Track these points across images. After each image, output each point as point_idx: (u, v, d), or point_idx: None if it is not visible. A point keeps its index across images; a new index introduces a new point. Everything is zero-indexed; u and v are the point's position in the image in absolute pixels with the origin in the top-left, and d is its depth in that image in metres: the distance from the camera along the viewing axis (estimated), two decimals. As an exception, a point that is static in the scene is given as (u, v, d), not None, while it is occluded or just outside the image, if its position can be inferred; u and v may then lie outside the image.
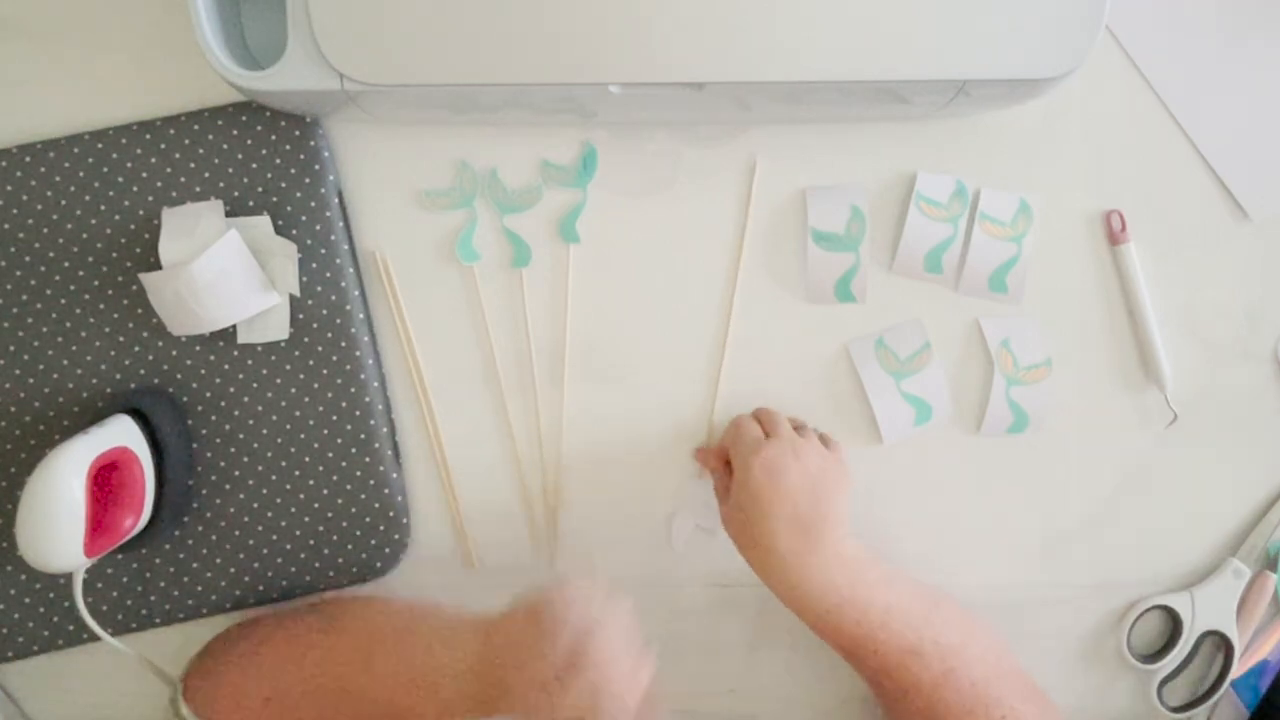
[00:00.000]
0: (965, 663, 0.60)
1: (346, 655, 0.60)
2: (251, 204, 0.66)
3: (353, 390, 0.67)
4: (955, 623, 0.62)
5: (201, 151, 0.66)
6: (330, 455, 0.67)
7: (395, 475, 0.68)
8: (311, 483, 0.67)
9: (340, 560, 0.67)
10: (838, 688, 0.70)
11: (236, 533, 0.67)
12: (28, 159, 0.65)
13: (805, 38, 0.57)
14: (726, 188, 0.68)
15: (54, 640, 0.66)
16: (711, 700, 0.70)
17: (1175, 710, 0.70)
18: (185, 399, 0.66)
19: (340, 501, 0.67)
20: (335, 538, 0.67)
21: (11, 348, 0.65)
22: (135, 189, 0.65)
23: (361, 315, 0.67)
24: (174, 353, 0.66)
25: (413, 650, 0.58)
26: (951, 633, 0.61)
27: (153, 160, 0.65)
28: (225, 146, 0.66)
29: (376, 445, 0.67)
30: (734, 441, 0.63)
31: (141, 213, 0.65)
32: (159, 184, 0.65)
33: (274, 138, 0.66)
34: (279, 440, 0.67)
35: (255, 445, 0.67)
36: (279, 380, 0.66)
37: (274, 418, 0.67)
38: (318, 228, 0.66)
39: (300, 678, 0.60)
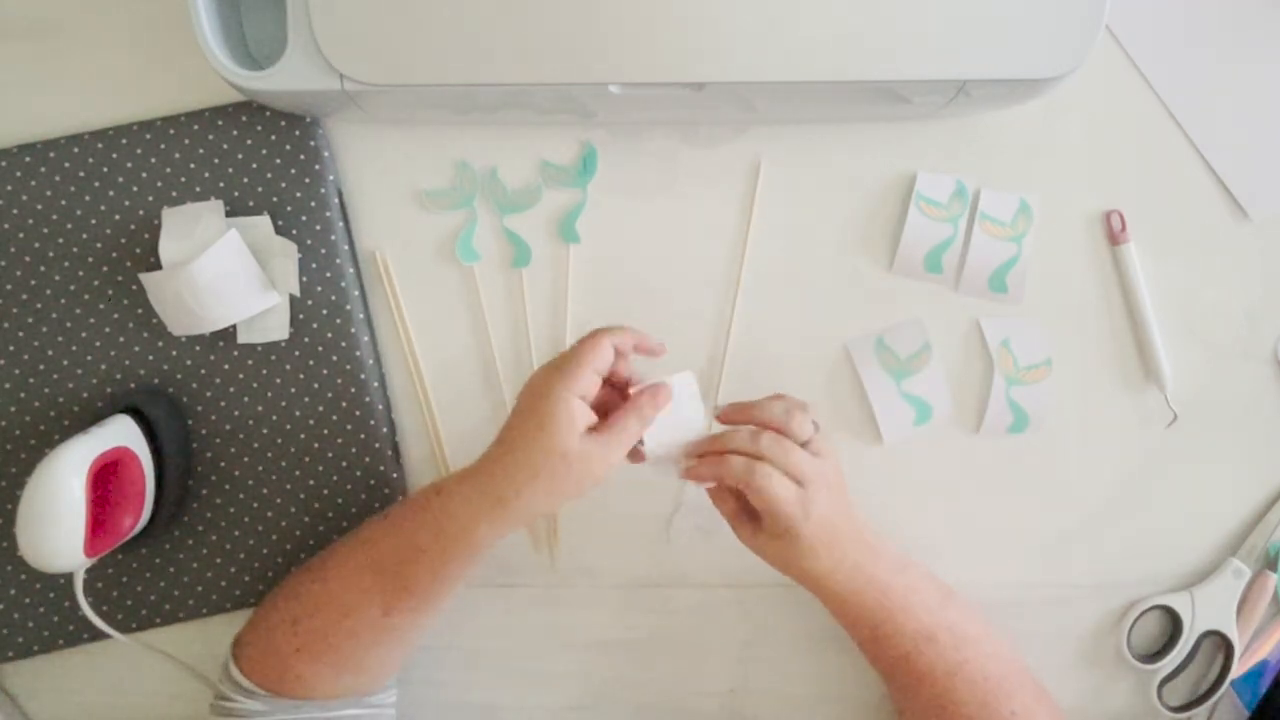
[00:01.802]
0: (979, 655, 0.61)
1: (359, 541, 0.61)
2: (251, 204, 0.66)
3: (353, 390, 0.67)
4: (969, 615, 0.63)
5: (201, 151, 0.66)
6: (330, 455, 0.67)
7: (395, 475, 0.68)
8: (311, 483, 0.67)
9: (340, 560, 0.67)
10: (837, 688, 0.70)
11: (236, 533, 0.67)
12: (28, 159, 0.65)
13: (805, 38, 0.57)
14: (726, 188, 0.68)
15: (54, 640, 0.66)
16: (711, 700, 0.70)
17: (1175, 710, 0.70)
18: (185, 399, 0.66)
19: (340, 501, 0.67)
20: (335, 538, 0.67)
21: (11, 348, 0.65)
22: (135, 189, 0.65)
23: (361, 315, 0.67)
24: (174, 353, 0.66)
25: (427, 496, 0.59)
26: (967, 624, 0.62)
27: (153, 160, 0.65)
28: (225, 146, 0.66)
29: (376, 445, 0.67)
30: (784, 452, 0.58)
31: (141, 213, 0.65)
32: (159, 184, 0.65)
33: (274, 138, 0.66)
34: (279, 440, 0.67)
35: (255, 445, 0.67)
36: (279, 380, 0.66)
37: (274, 418, 0.67)
38: (318, 228, 0.66)
39: (315, 589, 0.60)
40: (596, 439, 0.54)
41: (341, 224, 0.67)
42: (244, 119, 0.66)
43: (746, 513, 0.59)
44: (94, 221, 0.65)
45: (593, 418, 0.55)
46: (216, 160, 0.66)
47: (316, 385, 0.67)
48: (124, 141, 0.65)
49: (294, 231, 0.66)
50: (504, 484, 0.54)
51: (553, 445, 0.53)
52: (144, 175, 0.65)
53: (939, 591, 0.63)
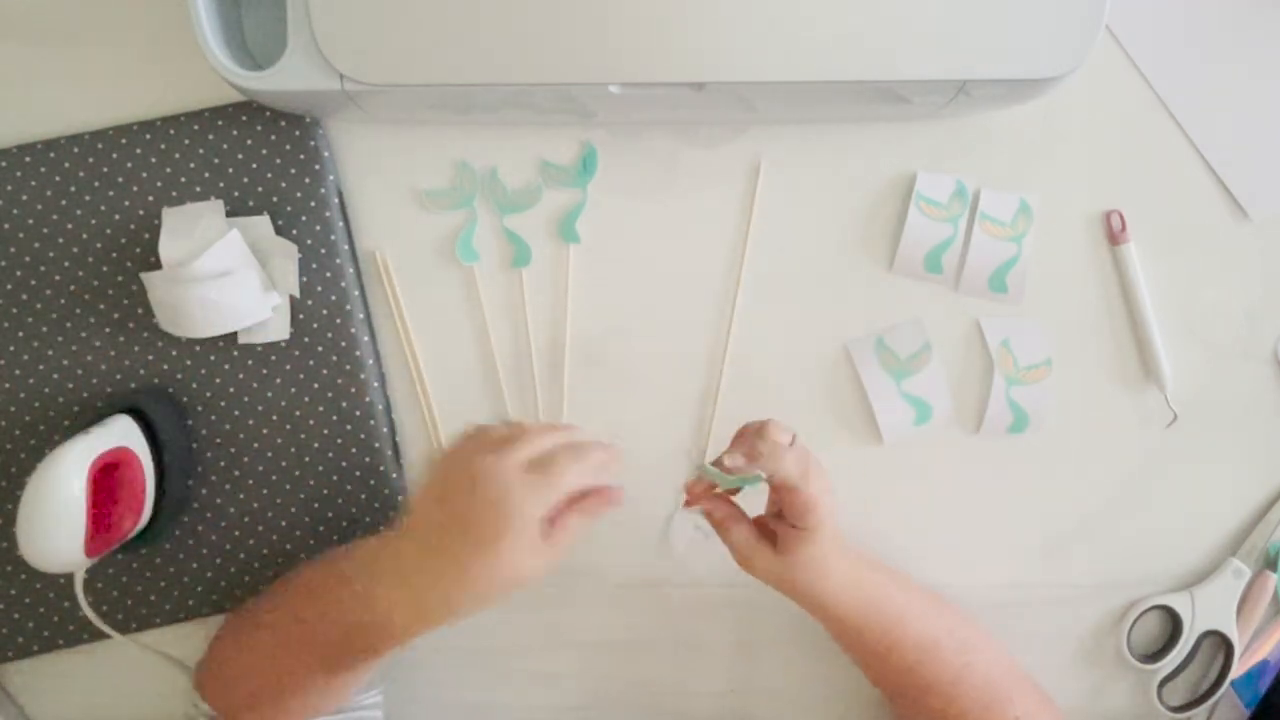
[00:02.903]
0: (981, 659, 0.61)
1: (296, 596, 0.59)
2: (251, 204, 0.66)
3: (353, 390, 0.67)
4: (963, 619, 0.63)
5: (201, 151, 0.66)
6: (330, 455, 0.67)
7: (395, 475, 0.68)
8: (311, 483, 0.67)
9: (340, 560, 0.67)
10: (837, 688, 0.70)
11: (236, 533, 0.67)
12: (28, 159, 0.65)
13: (805, 38, 0.57)
14: (726, 188, 0.68)
15: (54, 640, 0.66)
16: (711, 700, 0.70)
17: (1175, 710, 0.70)
18: (185, 399, 0.66)
19: (340, 502, 0.67)
20: (335, 538, 0.67)
21: (11, 348, 0.65)
22: (135, 189, 0.65)
23: (361, 315, 0.67)
24: (174, 353, 0.66)
25: (339, 563, 0.57)
26: (963, 628, 0.62)
27: (153, 160, 0.65)
28: (225, 146, 0.66)
29: (376, 445, 0.67)
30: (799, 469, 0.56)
31: (141, 213, 0.65)
32: (159, 184, 0.65)
33: (274, 138, 0.66)
34: (279, 440, 0.67)
35: (255, 445, 0.67)
36: (279, 380, 0.66)
37: (274, 418, 0.67)
38: (318, 228, 0.66)
39: (262, 641, 0.60)
40: (547, 555, 0.49)
41: (341, 224, 0.67)
42: (244, 119, 0.66)
43: (751, 543, 0.58)
44: (94, 221, 0.65)
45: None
46: (216, 160, 0.66)
47: (316, 385, 0.67)
48: (124, 141, 0.65)
49: (294, 231, 0.66)
50: (438, 605, 0.49)
51: (513, 577, 0.48)
52: (144, 175, 0.65)
53: (929, 596, 0.63)
